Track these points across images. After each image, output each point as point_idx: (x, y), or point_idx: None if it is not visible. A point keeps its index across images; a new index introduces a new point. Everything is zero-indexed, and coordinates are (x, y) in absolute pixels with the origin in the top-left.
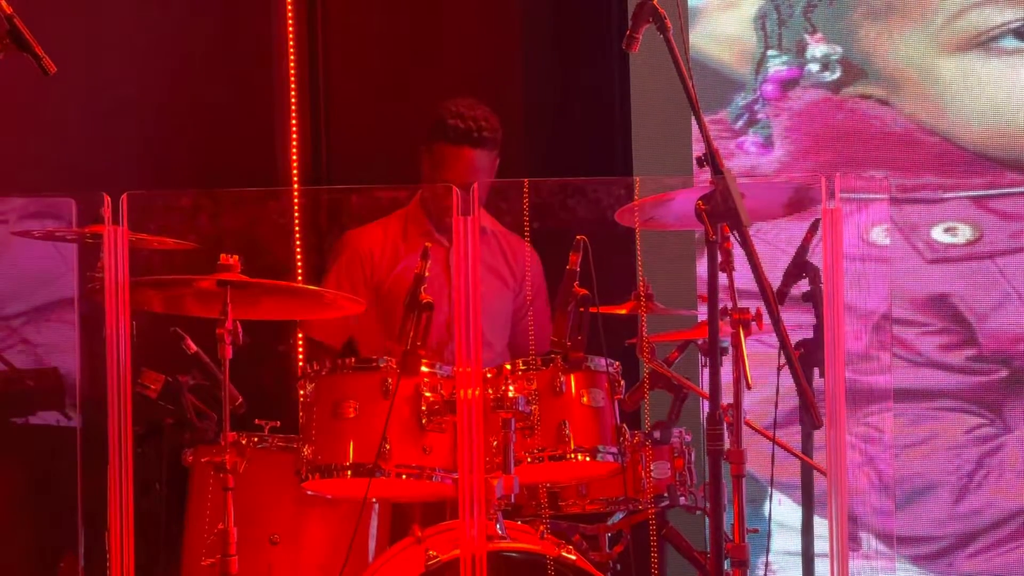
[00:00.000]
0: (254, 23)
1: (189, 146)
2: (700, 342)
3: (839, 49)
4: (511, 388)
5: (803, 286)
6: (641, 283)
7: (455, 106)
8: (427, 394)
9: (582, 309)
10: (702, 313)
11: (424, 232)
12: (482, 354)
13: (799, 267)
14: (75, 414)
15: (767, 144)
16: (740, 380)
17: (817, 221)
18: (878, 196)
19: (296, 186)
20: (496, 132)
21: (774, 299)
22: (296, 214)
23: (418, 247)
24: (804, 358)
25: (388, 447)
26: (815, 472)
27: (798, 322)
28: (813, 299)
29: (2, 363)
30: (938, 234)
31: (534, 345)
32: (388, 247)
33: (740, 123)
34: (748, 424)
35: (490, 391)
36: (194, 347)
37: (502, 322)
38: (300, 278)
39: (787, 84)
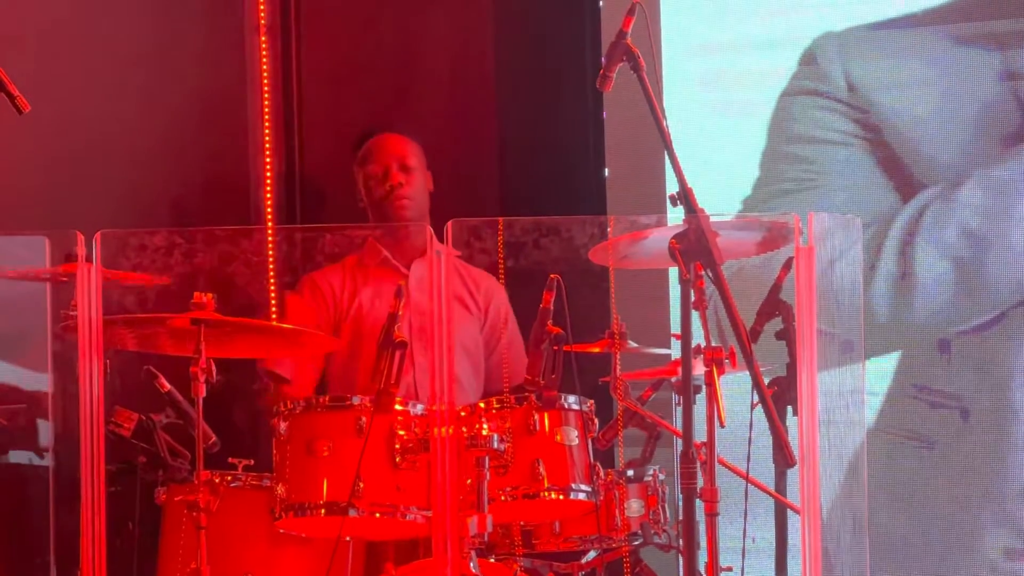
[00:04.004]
0: (228, 61)
1: (163, 184)
2: (674, 380)
3: None
4: (485, 426)
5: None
6: (615, 321)
7: None
8: (401, 432)
9: (556, 347)
10: (676, 351)
11: (381, 260)
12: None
13: (772, 305)
14: (48, 453)
15: None
16: (714, 418)
17: (790, 259)
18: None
19: (270, 225)
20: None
21: (747, 337)
22: (270, 252)
23: (375, 275)
24: (777, 396)
25: (362, 485)
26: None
27: (772, 361)
28: (786, 337)
29: None
30: None
31: (507, 376)
32: (347, 282)
33: None
34: (722, 462)
35: (464, 429)
36: (167, 385)
37: (472, 356)
38: (274, 317)
39: None
